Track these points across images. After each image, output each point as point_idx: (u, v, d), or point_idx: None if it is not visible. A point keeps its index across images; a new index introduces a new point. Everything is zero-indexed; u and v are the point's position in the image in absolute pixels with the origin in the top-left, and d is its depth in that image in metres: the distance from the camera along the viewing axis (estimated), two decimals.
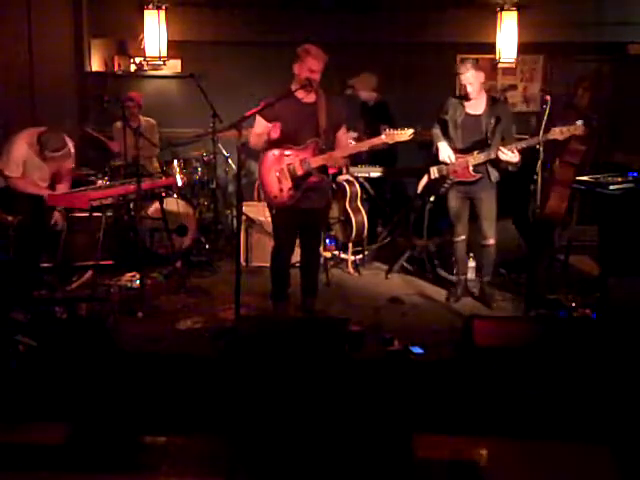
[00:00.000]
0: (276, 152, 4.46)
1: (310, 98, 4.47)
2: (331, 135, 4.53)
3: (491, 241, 5.05)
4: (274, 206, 4.55)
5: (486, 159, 4.81)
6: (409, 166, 6.39)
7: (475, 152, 4.84)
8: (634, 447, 3.12)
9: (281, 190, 4.47)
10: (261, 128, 4.46)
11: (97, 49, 7.75)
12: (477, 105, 4.91)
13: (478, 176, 4.88)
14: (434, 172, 5.04)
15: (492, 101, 4.94)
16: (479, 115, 4.90)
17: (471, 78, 4.82)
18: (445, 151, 4.96)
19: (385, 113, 6.63)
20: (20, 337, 3.86)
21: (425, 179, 5.18)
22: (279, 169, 4.47)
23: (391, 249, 6.34)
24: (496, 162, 4.84)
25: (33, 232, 5.22)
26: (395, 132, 4.37)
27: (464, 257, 5.32)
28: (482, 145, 4.83)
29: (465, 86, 4.86)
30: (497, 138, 4.80)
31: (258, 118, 4.43)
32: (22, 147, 5.19)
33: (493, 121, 4.80)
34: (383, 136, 4.40)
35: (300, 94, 4.41)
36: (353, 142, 5.42)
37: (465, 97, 4.92)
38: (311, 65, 4.34)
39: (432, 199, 5.55)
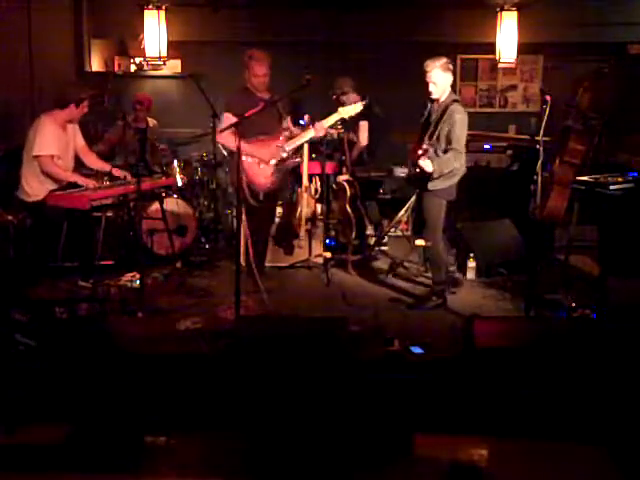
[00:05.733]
0: (252, 144, 5.04)
1: (266, 95, 5.20)
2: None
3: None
4: (261, 192, 5.15)
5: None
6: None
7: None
8: (633, 447, 3.12)
9: (265, 177, 5.16)
10: (230, 124, 4.86)
11: (97, 49, 7.75)
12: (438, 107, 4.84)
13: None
14: None
15: (446, 106, 4.77)
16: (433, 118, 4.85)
17: (434, 77, 4.77)
18: None
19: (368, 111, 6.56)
20: (20, 337, 3.86)
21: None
22: (259, 158, 5.12)
23: (391, 249, 6.33)
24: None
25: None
26: (348, 108, 5.21)
27: None
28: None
29: (428, 84, 4.81)
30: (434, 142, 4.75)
31: (227, 115, 5.07)
32: (52, 126, 5.18)
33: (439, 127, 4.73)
34: (340, 109, 5.18)
35: (257, 92, 5.18)
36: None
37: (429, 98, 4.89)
38: (256, 70, 5.12)
39: None
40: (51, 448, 3.14)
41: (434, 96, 4.84)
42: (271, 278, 5.48)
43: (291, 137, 5.23)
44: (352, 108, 5.21)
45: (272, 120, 5.20)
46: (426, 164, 4.65)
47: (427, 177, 4.75)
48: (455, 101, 4.80)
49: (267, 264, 5.67)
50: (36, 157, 5.12)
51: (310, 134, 5.24)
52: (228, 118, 5.04)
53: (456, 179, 4.86)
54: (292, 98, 6.24)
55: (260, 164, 5.15)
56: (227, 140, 5.06)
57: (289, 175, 5.67)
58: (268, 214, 5.53)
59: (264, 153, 5.15)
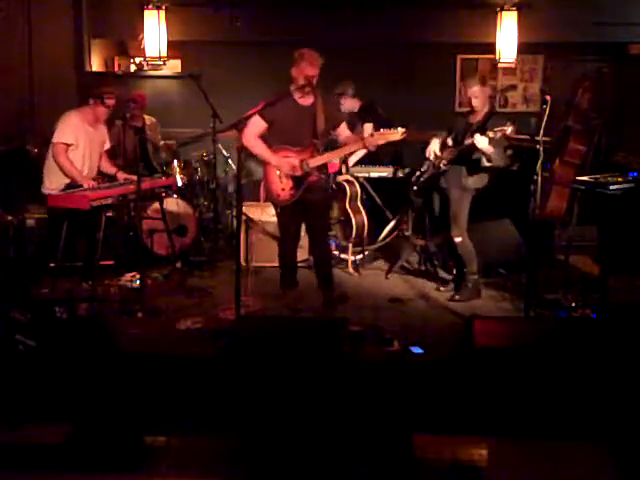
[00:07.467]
0: (278, 153, 4.66)
1: (308, 100, 4.66)
2: (328, 136, 4.78)
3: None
4: (277, 204, 4.82)
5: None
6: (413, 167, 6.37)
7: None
8: (633, 447, 3.12)
9: (283, 189, 4.73)
10: (258, 128, 4.61)
11: (97, 49, 7.74)
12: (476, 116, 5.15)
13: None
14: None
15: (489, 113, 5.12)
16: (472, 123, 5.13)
17: (476, 92, 5.06)
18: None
19: (373, 114, 6.56)
20: (20, 337, 3.86)
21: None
22: (278, 168, 4.69)
23: (391, 249, 6.33)
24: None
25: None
26: (386, 132, 4.56)
27: None
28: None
29: (470, 99, 5.09)
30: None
31: (256, 119, 4.56)
32: (76, 118, 5.23)
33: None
34: (374, 134, 4.62)
35: (298, 96, 4.59)
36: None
37: (470, 110, 5.17)
38: (306, 71, 4.54)
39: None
40: (51, 448, 3.14)
41: (477, 108, 5.10)
42: (271, 278, 5.48)
43: (319, 153, 4.65)
44: (389, 134, 4.55)
45: (305, 129, 4.63)
46: (483, 140, 4.78)
47: (469, 168, 5.07)
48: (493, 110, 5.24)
49: (267, 264, 5.68)
50: (53, 145, 5.17)
51: (339, 154, 5.00)
52: (256, 122, 4.56)
53: (486, 179, 5.18)
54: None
55: (279, 174, 4.71)
56: (253, 144, 4.63)
57: (324, 192, 4.98)
58: (297, 228, 4.94)
59: (284, 164, 4.66)
